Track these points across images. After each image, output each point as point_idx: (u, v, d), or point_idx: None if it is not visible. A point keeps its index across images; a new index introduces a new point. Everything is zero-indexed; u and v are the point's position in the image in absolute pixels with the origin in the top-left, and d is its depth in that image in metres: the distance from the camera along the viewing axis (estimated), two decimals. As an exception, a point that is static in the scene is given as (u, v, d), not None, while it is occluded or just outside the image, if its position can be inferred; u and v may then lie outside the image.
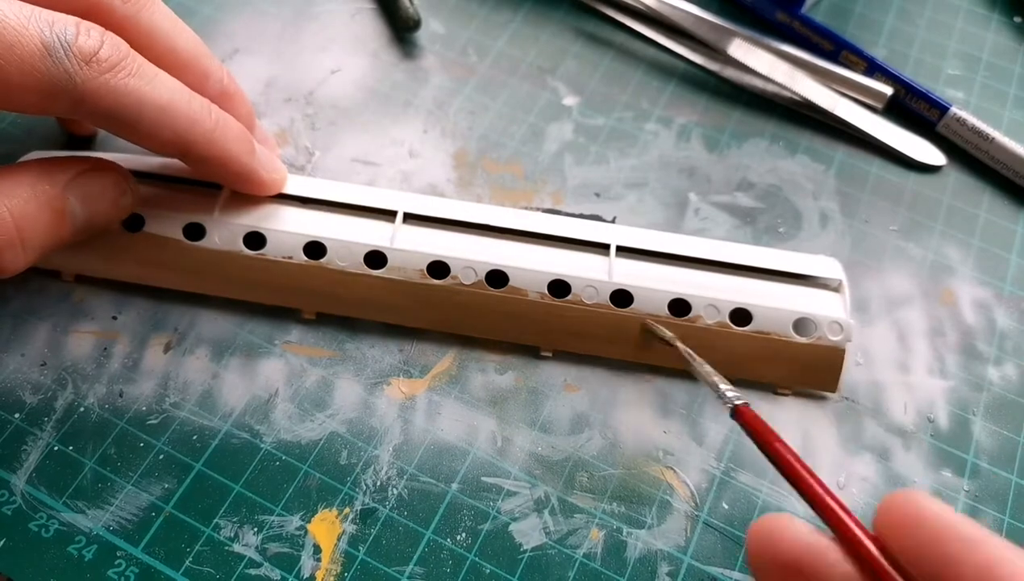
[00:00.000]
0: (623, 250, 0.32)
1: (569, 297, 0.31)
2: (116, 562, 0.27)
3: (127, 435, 0.29)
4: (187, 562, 0.27)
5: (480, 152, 0.37)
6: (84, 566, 0.27)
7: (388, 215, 0.32)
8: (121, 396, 0.30)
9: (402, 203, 0.32)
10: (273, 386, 0.31)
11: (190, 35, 0.29)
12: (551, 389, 0.32)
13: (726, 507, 0.30)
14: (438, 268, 0.31)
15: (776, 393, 0.32)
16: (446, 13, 0.42)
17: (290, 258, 0.31)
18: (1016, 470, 0.32)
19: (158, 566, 0.27)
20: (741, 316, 0.31)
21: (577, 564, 0.28)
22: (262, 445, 0.30)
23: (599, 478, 0.30)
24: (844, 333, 0.31)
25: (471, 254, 0.31)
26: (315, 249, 0.31)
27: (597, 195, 0.37)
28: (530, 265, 0.31)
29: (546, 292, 0.31)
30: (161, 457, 0.29)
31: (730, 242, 0.33)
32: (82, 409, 0.30)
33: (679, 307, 0.31)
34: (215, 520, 0.28)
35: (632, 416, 0.31)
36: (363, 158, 0.37)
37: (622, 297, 0.31)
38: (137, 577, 0.27)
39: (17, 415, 0.29)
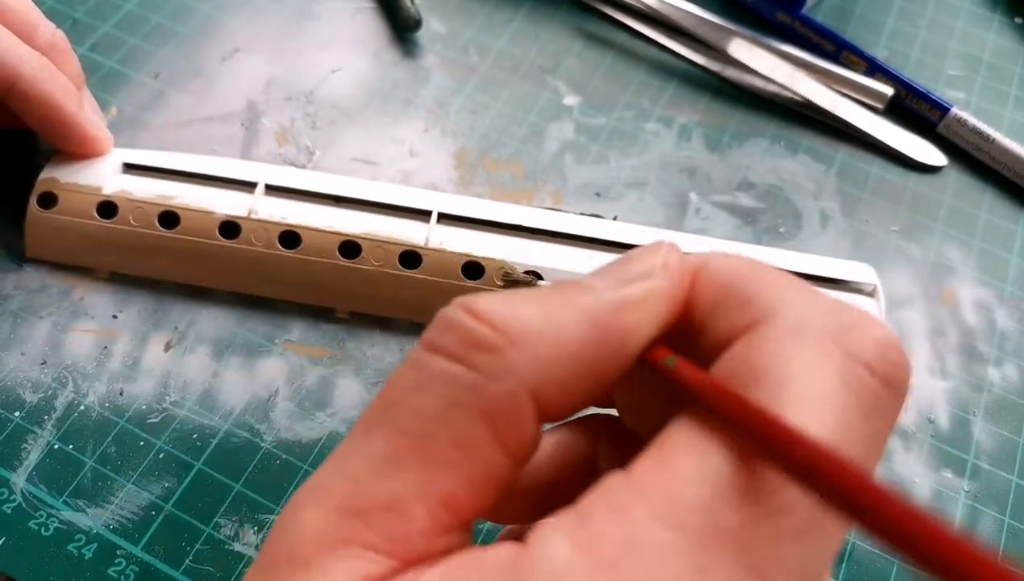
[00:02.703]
0: None
1: None
2: (116, 561, 0.27)
3: (127, 434, 0.29)
4: (187, 561, 0.27)
5: (481, 151, 0.37)
6: (84, 565, 0.27)
7: (422, 215, 0.32)
8: (121, 395, 0.30)
9: (436, 203, 0.33)
10: (273, 385, 0.31)
11: None
12: (551, 389, 0.32)
13: (726, 507, 0.30)
14: (473, 269, 0.31)
15: None
16: (447, 12, 0.42)
17: (325, 258, 0.31)
18: (1016, 471, 0.32)
19: (158, 565, 0.27)
20: None
21: (577, 564, 0.28)
22: (262, 444, 0.30)
23: (599, 478, 0.30)
24: None
25: (506, 255, 0.32)
26: (350, 248, 0.31)
27: (598, 195, 0.37)
28: (564, 266, 0.32)
29: None
30: (161, 456, 0.29)
31: (763, 246, 0.34)
32: (82, 407, 0.30)
33: None
34: (215, 519, 0.28)
35: (632, 416, 0.31)
36: (363, 157, 0.37)
37: None
38: (137, 576, 0.27)
39: (17, 413, 0.29)
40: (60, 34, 0.32)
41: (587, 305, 0.16)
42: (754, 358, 0.15)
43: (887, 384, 0.15)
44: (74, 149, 0.32)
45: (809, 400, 0.14)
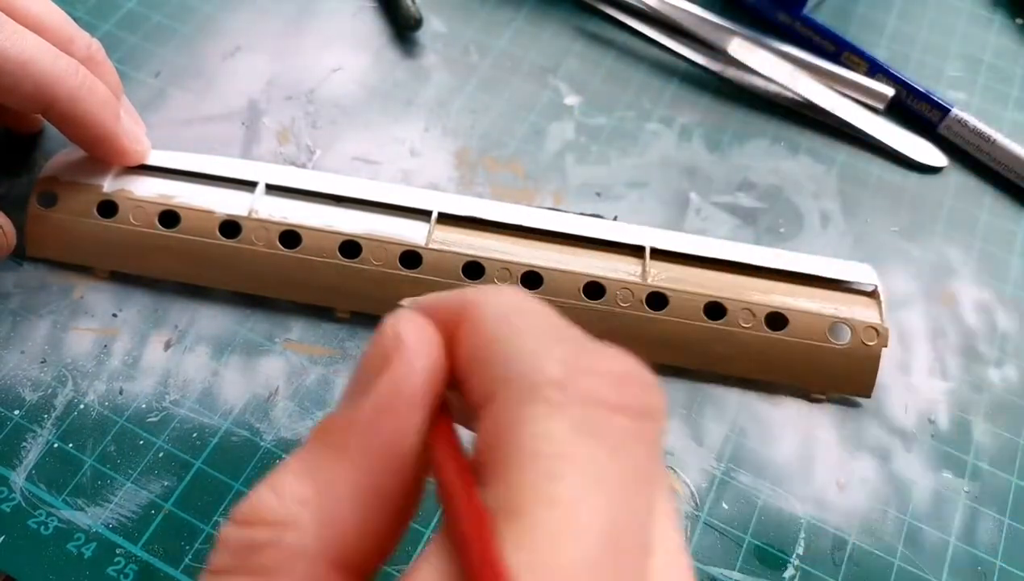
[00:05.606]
0: (658, 253, 0.32)
1: (604, 299, 0.31)
2: (115, 560, 0.27)
3: (127, 432, 0.29)
4: (186, 560, 0.27)
5: (481, 151, 0.37)
6: (83, 563, 0.27)
7: (423, 215, 0.32)
8: (121, 393, 0.30)
9: (437, 203, 0.33)
10: (273, 384, 0.31)
11: (48, 3, 0.30)
12: (551, 388, 0.32)
13: (726, 507, 0.30)
14: (473, 269, 0.31)
15: (810, 398, 0.32)
16: (448, 12, 0.42)
17: (325, 257, 0.31)
18: (1016, 472, 0.32)
19: (157, 564, 0.27)
20: (776, 320, 0.31)
21: (577, 564, 0.28)
22: (262, 443, 0.30)
23: (599, 478, 0.30)
24: (880, 338, 0.31)
25: (506, 255, 0.32)
26: (350, 248, 0.31)
27: (598, 194, 0.37)
28: (565, 267, 0.31)
29: (581, 294, 0.31)
30: (161, 455, 0.29)
31: (765, 247, 0.34)
32: (82, 406, 0.30)
33: (714, 311, 0.31)
34: (215, 518, 0.28)
35: (632, 416, 0.31)
36: (364, 156, 0.37)
37: (657, 300, 0.31)
38: (136, 575, 0.27)
39: (17, 412, 0.29)
40: (96, 44, 0.31)
41: (347, 442, 0.15)
42: (493, 431, 0.14)
43: (630, 414, 0.14)
44: (111, 161, 0.32)
45: (545, 466, 0.13)
